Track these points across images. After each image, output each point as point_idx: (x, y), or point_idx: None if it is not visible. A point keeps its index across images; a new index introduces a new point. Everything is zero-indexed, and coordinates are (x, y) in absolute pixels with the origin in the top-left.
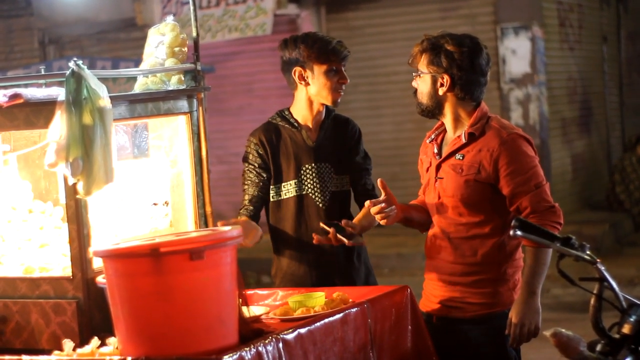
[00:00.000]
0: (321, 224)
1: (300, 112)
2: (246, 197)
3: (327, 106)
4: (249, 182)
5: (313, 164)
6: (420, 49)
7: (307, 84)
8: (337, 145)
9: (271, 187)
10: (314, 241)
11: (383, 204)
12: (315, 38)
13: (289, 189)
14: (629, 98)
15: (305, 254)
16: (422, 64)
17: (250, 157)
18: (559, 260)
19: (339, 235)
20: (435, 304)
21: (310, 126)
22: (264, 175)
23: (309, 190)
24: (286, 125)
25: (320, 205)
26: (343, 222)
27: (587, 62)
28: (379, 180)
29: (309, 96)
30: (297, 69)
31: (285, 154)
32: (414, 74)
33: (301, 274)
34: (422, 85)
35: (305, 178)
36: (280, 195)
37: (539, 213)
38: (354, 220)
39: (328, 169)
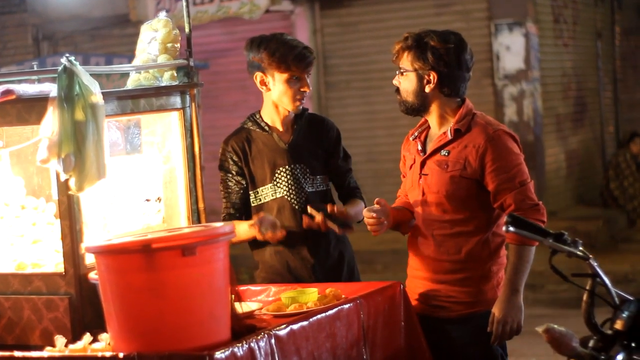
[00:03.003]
0: (309, 208)
1: (270, 115)
2: (228, 204)
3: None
4: (229, 190)
5: (287, 166)
6: (403, 46)
7: (268, 89)
8: (313, 145)
9: (250, 192)
10: (304, 225)
11: (376, 214)
12: (278, 44)
13: (266, 193)
14: (623, 94)
15: (286, 255)
16: (406, 62)
17: (226, 165)
18: (551, 257)
19: (329, 222)
20: (419, 302)
21: (281, 128)
22: (243, 182)
23: (284, 192)
24: (257, 130)
25: (297, 207)
26: (329, 207)
27: (582, 58)
28: (376, 200)
29: (273, 100)
30: (258, 74)
31: (259, 159)
32: (397, 71)
33: (281, 274)
34: (406, 83)
35: (280, 180)
36: (260, 200)
37: (522, 211)
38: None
39: (303, 170)
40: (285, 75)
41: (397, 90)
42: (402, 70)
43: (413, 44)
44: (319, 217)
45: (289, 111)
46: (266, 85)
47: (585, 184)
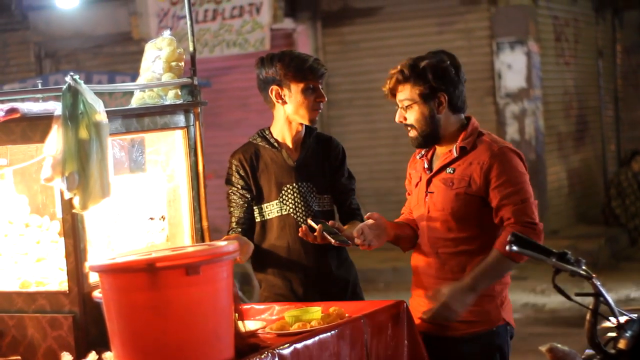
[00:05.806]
0: (309, 220)
1: (280, 131)
2: (233, 219)
3: (307, 125)
4: (234, 204)
5: (294, 184)
6: (399, 79)
7: (285, 102)
8: (320, 164)
9: (255, 207)
10: (299, 234)
11: (362, 235)
12: (292, 56)
13: (271, 210)
14: (625, 112)
15: (289, 273)
16: (407, 93)
17: (233, 179)
18: (554, 275)
19: (325, 234)
20: (423, 321)
21: (291, 145)
22: (248, 196)
23: (291, 210)
24: (266, 146)
25: (303, 224)
26: (330, 222)
27: (583, 76)
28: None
29: (287, 115)
30: (274, 87)
31: (266, 175)
32: (397, 107)
33: (285, 293)
34: (415, 114)
35: (286, 198)
36: (264, 216)
37: (520, 225)
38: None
39: (310, 189)
40: (301, 85)
41: (407, 126)
42: (407, 104)
43: (411, 73)
44: (317, 229)
45: (301, 127)
46: (282, 99)
47: (587, 202)
